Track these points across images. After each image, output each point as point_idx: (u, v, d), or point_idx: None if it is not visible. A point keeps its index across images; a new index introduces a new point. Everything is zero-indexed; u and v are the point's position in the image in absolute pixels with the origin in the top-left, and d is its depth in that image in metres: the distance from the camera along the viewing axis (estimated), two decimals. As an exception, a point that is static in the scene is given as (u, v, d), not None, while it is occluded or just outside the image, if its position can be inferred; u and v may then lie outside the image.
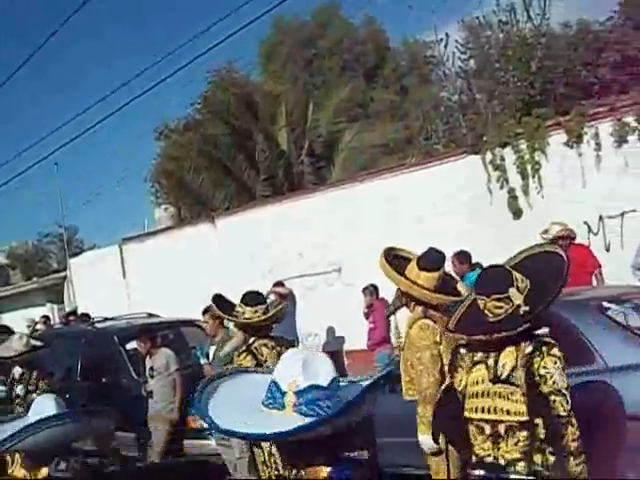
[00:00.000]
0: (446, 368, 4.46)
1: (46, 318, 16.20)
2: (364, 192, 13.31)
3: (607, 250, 10.27)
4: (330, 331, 13.76)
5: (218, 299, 6.55)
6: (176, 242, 16.88)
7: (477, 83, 13.82)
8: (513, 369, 3.54)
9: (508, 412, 3.52)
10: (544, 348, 3.52)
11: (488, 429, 3.60)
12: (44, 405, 3.97)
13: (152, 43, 42.77)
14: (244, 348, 5.85)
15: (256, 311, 5.84)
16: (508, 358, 3.56)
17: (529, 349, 3.52)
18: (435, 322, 5.05)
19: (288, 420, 2.10)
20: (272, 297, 12.34)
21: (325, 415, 2.11)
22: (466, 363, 3.76)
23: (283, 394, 2.16)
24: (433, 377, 4.87)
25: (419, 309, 5.20)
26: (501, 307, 3.52)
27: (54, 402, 4.02)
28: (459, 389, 3.79)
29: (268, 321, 5.94)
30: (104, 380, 10.29)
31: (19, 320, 18.18)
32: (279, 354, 5.59)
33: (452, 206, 11.81)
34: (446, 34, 13.86)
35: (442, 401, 4.15)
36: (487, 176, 11.49)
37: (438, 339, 5.02)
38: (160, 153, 20.81)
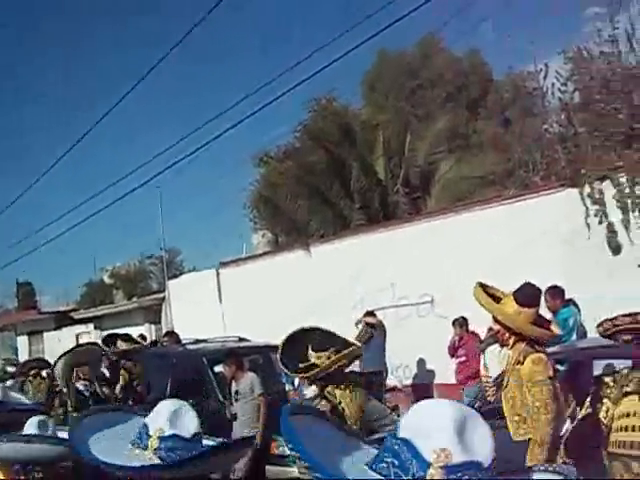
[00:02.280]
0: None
1: (142, 337, 16.58)
2: (459, 223, 13.18)
3: None
4: (420, 363, 13.60)
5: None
6: (271, 268, 17.08)
7: (578, 115, 13.50)
8: None
9: None
10: None
11: (637, 467, 3.17)
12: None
13: (255, 70, 43.71)
14: (318, 393, 5.51)
15: (323, 357, 5.37)
16: None
17: None
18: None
19: (146, 459, 2.31)
20: (360, 326, 12.35)
21: (174, 462, 2.31)
22: (614, 393, 3.41)
23: (149, 437, 2.34)
24: (552, 413, 4.58)
25: (523, 345, 5.02)
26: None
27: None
28: (604, 421, 3.43)
29: (336, 366, 5.41)
30: (191, 400, 10.41)
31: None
32: (351, 394, 5.52)
33: (548, 240, 11.54)
34: (545, 64, 13.69)
35: (576, 431, 3.83)
36: (585, 210, 11.19)
37: (552, 373, 4.83)
38: (259, 179, 21.15)
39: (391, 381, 13.41)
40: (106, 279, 35.39)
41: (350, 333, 12.62)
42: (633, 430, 3.18)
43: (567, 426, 3.82)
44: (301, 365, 5.47)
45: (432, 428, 1.59)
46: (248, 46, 49.58)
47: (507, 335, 5.17)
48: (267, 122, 38.36)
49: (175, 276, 23.32)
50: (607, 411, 3.38)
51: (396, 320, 13.69)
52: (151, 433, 2.34)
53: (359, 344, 6.28)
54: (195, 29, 13.86)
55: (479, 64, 24.62)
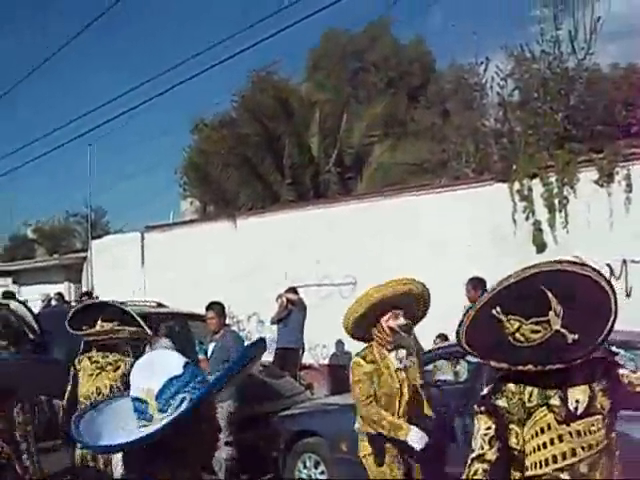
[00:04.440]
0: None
1: (60, 295, 16.27)
2: (388, 208, 13.22)
3: (628, 295, 10.04)
4: (339, 344, 13.60)
5: None
6: (197, 236, 16.86)
7: (516, 113, 13.66)
8: (591, 399, 3.02)
9: (590, 447, 3.01)
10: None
11: (566, 476, 3.01)
12: None
13: (199, 33, 42.96)
14: None
15: (105, 326, 6.03)
16: (580, 389, 3.03)
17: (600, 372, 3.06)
18: None
19: (161, 422, 2.00)
20: (280, 301, 12.30)
21: (195, 395, 2.04)
22: (516, 415, 3.09)
23: (146, 405, 2.03)
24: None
25: None
26: (538, 331, 2.99)
27: None
28: (517, 447, 3.10)
29: (108, 336, 6.07)
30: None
31: (36, 294, 18.38)
32: (93, 364, 6.20)
33: (475, 232, 11.67)
34: (486, 58, 13.83)
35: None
36: (513, 205, 11.34)
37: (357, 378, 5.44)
38: (191, 146, 20.86)
39: (308, 360, 13.41)
40: (29, 234, 34.54)
41: (270, 308, 12.59)
42: (552, 444, 3.03)
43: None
44: (84, 327, 5.98)
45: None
46: (194, 11, 48.62)
47: None
48: (206, 90, 37.82)
49: (99, 236, 22.85)
50: (517, 436, 3.09)
51: (318, 299, 13.67)
52: (145, 399, 2.03)
53: (148, 331, 6.49)
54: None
55: (423, 52, 24.75)
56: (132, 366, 5.83)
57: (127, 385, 5.66)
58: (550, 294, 3.01)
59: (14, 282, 24.05)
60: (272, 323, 12.64)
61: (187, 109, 38.97)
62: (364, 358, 5.35)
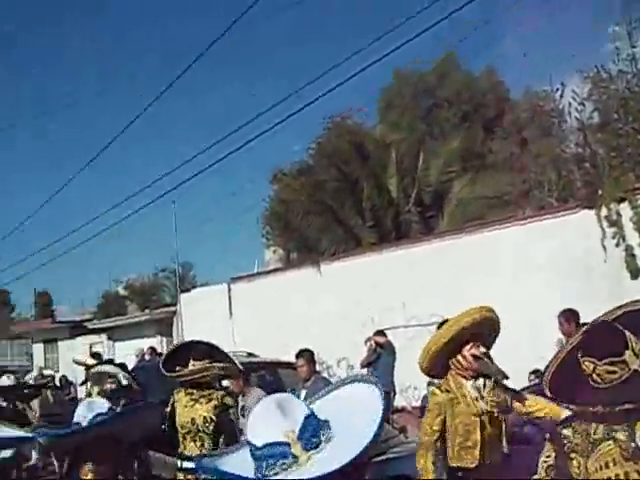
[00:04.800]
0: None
1: (152, 349, 16.56)
2: (472, 243, 13.04)
3: None
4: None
5: None
6: (282, 284, 16.98)
7: (596, 135, 13.36)
8: None
9: None
10: None
11: None
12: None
13: (272, 86, 43.85)
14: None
15: (197, 364, 6.29)
16: None
17: None
18: None
19: (317, 460, 1.92)
20: (369, 345, 12.20)
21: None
22: (581, 446, 3.08)
23: (288, 446, 1.94)
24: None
25: None
26: (614, 372, 2.96)
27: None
28: (579, 478, 3.07)
29: (201, 374, 6.24)
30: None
31: (130, 349, 18.81)
32: (195, 402, 6.28)
33: (563, 262, 11.36)
34: (562, 84, 13.58)
35: None
36: (602, 232, 11.01)
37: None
38: (272, 196, 21.14)
39: (400, 402, 13.23)
40: (121, 291, 35.55)
41: (359, 352, 12.50)
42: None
43: None
44: (177, 368, 6.15)
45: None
46: (264, 63, 49.70)
47: None
48: (282, 139, 38.38)
49: (187, 290, 23.28)
50: (579, 467, 3.07)
51: (406, 340, 13.50)
52: (287, 441, 1.94)
53: (239, 366, 6.78)
54: (213, 46, 13.73)
55: (496, 83, 24.52)
56: (223, 398, 5.96)
57: (218, 416, 5.84)
58: (628, 333, 2.96)
59: (109, 338, 24.71)
60: (362, 367, 12.54)
61: (265, 160, 39.61)
62: (439, 388, 5.26)
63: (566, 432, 3.09)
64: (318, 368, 10.00)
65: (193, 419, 6.15)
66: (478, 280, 12.41)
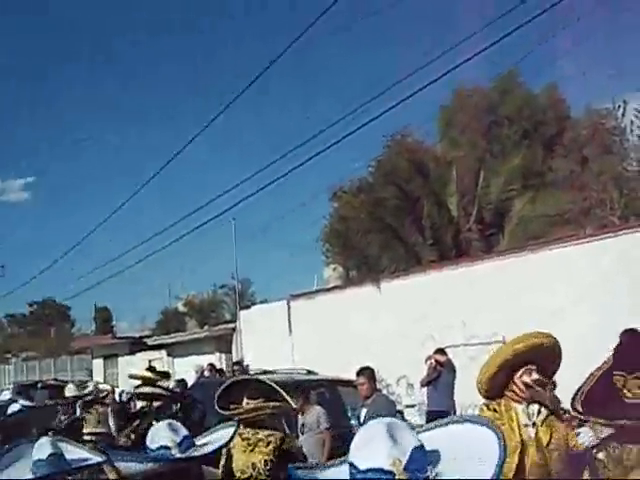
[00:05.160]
0: None
1: (212, 366, 16.77)
2: (533, 262, 12.99)
3: None
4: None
5: None
6: (342, 302, 17.08)
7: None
8: None
9: None
10: None
11: None
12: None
13: (331, 104, 44.05)
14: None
15: (251, 403, 5.91)
16: None
17: None
18: None
19: None
20: (429, 363, 12.20)
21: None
22: (611, 471, 3.14)
23: (392, 475, 1.90)
24: None
25: None
26: None
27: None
28: None
29: (254, 414, 5.92)
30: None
31: (189, 366, 19.07)
32: (250, 445, 5.95)
33: (626, 281, 11.25)
34: (624, 101, 13.47)
35: None
36: (665, 251, 10.90)
37: None
38: (332, 213, 21.31)
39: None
40: (180, 307, 36.01)
41: (419, 370, 12.52)
42: None
43: None
44: (232, 406, 5.99)
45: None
46: (324, 82, 49.99)
47: None
48: (342, 156, 38.54)
49: (247, 307, 23.52)
50: None
51: (467, 359, 13.47)
52: (389, 468, 1.91)
53: (293, 404, 6.44)
54: (268, 69, 14.00)
55: (557, 100, 24.31)
56: (283, 440, 5.94)
57: (279, 458, 5.83)
58: None
59: (168, 354, 25.03)
60: (422, 386, 12.54)
61: (325, 177, 39.82)
62: (487, 405, 5.15)
63: (601, 456, 3.11)
64: (378, 386, 10.06)
65: (254, 464, 5.93)
66: (539, 299, 12.35)
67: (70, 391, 10.90)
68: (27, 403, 10.63)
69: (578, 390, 3.18)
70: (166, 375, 11.95)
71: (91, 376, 29.84)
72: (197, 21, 56.23)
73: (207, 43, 56.02)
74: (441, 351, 12.49)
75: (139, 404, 9.96)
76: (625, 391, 3.01)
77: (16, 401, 10.55)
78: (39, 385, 14.49)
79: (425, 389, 12.49)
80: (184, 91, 58.15)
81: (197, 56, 57.91)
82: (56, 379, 18.66)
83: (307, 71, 48.10)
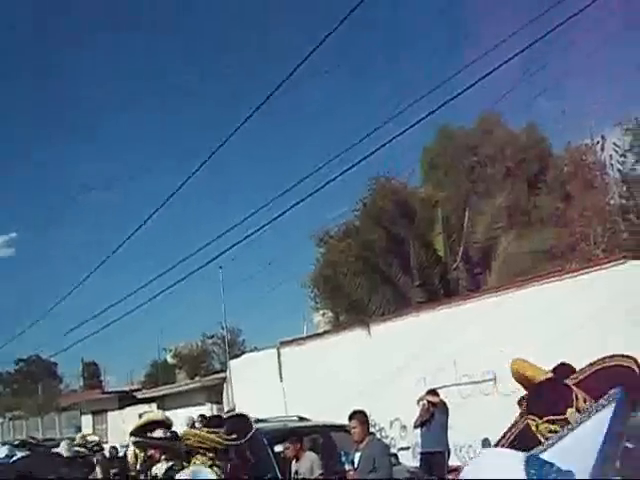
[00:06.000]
0: None
1: (203, 417, 16.57)
2: (521, 298, 13.01)
3: None
4: (486, 443, 13.20)
5: None
6: (332, 347, 17.03)
7: (638, 185, 13.38)
8: None
9: None
10: None
11: None
12: None
13: (314, 149, 44.41)
14: None
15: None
16: None
17: None
18: None
19: None
20: (422, 405, 12.13)
21: None
22: None
23: None
24: None
25: None
26: (555, 432, 2.95)
27: None
28: None
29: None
30: (250, 480, 10.31)
31: (181, 418, 18.83)
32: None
33: (612, 314, 11.27)
34: (602, 137, 13.64)
35: None
36: (649, 281, 10.94)
37: None
38: (319, 259, 21.31)
39: (455, 462, 13.06)
40: (169, 359, 35.77)
41: (412, 412, 12.44)
42: None
43: None
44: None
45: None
46: (305, 126, 50.41)
47: None
48: (327, 201, 38.70)
49: (237, 356, 23.41)
50: None
51: (459, 398, 13.42)
52: None
53: (240, 440, 6.32)
54: (255, 114, 14.05)
55: (538, 139, 24.58)
56: None
57: None
58: (576, 390, 2.85)
59: (158, 407, 24.74)
60: (415, 427, 12.46)
61: (310, 223, 39.95)
62: None
63: None
64: (371, 430, 9.98)
65: None
66: (530, 334, 12.33)
67: (65, 451, 10.78)
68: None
69: (500, 439, 3.07)
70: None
71: (79, 433, 29.47)
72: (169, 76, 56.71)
73: (183, 101, 56.51)
74: (433, 392, 12.43)
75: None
76: (539, 435, 2.91)
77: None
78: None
79: (418, 431, 12.40)
80: (168, 144, 58.40)
81: (179, 109, 58.37)
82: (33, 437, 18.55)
83: (290, 117, 48.60)
